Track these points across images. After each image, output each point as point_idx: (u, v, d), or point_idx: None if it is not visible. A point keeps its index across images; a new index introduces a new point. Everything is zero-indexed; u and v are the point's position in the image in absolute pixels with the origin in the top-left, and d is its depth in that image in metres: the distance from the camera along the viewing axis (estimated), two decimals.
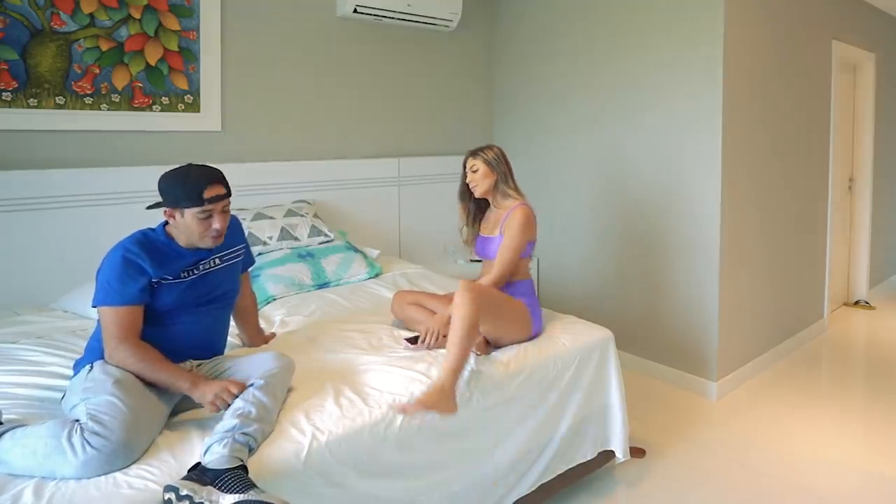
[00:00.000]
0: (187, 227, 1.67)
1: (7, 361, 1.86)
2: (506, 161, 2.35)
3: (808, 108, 3.76)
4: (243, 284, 2.01)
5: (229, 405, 1.49)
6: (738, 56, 3.02)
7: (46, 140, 2.56)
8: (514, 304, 2.12)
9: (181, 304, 1.69)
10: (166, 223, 1.74)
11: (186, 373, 1.58)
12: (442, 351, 1.93)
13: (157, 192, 1.69)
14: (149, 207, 1.80)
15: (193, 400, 1.58)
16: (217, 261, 1.80)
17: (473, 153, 2.35)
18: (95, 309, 1.63)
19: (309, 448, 1.48)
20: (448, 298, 2.24)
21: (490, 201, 2.38)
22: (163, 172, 1.69)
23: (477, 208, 2.44)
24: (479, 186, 2.33)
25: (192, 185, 1.64)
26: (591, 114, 3.59)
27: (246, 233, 2.63)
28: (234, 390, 1.52)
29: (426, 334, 2.04)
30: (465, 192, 2.40)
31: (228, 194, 1.72)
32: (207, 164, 1.77)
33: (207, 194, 1.64)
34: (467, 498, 1.82)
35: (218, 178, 1.70)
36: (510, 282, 2.23)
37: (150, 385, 1.55)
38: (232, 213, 1.82)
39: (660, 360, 3.32)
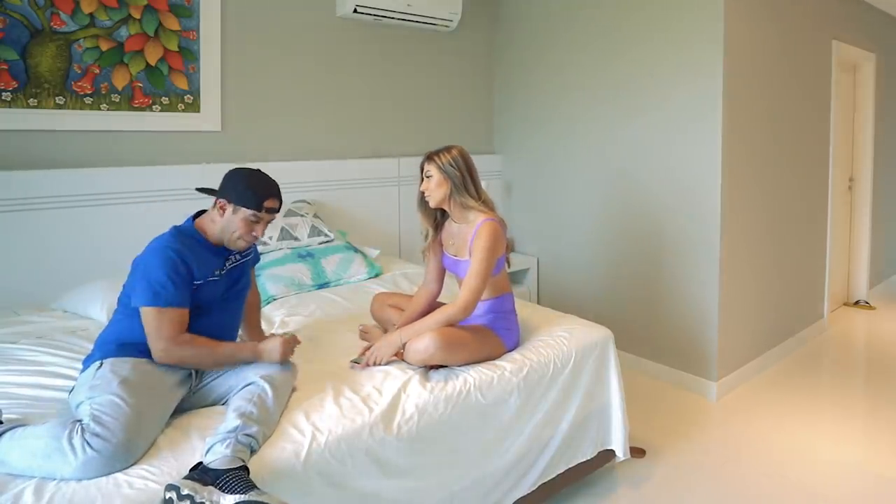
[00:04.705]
0: (231, 224, 1.72)
1: (7, 361, 1.87)
2: (467, 165, 2.09)
3: (808, 108, 3.76)
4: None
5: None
6: (738, 56, 3.02)
7: (46, 140, 2.56)
8: (478, 333, 2.00)
9: (209, 301, 1.72)
10: (196, 216, 1.78)
11: (243, 344, 1.72)
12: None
13: (220, 182, 1.76)
14: (200, 189, 1.86)
15: (207, 392, 1.66)
16: (237, 256, 1.85)
17: (429, 157, 2.10)
18: (139, 308, 1.60)
19: (309, 448, 1.49)
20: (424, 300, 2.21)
21: (449, 214, 2.16)
22: (233, 168, 1.78)
23: (443, 217, 2.20)
24: (433, 196, 2.09)
25: (259, 190, 1.72)
26: (592, 113, 3.59)
27: None
28: (295, 342, 1.73)
29: (370, 356, 1.92)
30: (423, 200, 2.15)
31: (278, 210, 1.80)
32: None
33: (268, 204, 1.74)
34: (467, 498, 1.82)
35: (279, 193, 1.78)
36: (488, 298, 2.08)
37: (156, 384, 1.54)
38: None
39: (660, 360, 3.33)
